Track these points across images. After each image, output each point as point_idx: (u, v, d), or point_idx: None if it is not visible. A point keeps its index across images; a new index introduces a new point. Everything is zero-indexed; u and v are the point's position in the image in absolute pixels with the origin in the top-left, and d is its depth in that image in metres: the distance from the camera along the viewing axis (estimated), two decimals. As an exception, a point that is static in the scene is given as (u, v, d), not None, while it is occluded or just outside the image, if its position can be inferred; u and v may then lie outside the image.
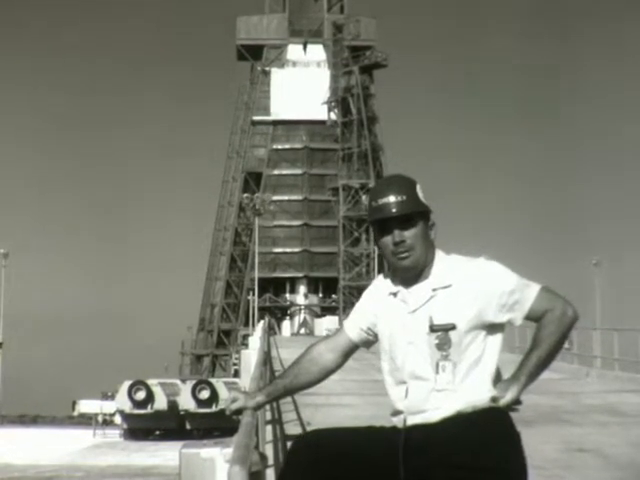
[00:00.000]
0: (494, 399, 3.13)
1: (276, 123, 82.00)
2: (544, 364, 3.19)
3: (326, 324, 62.11)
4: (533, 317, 3.20)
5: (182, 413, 48.44)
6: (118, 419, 51.20)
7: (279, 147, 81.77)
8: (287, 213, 79.77)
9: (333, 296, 78.48)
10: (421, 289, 3.21)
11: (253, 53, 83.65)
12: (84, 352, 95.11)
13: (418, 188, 3.24)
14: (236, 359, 61.23)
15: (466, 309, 3.14)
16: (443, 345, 3.14)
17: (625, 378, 19.36)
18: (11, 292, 60.66)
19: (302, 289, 79.49)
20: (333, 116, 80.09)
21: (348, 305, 69.52)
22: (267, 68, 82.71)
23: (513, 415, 3.18)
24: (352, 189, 77.04)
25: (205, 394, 47.84)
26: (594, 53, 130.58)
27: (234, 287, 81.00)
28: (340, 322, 55.65)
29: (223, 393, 46.14)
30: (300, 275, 79.05)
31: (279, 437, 6.58)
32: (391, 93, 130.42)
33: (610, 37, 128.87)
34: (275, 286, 78.61)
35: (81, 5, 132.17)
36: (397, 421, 3.21)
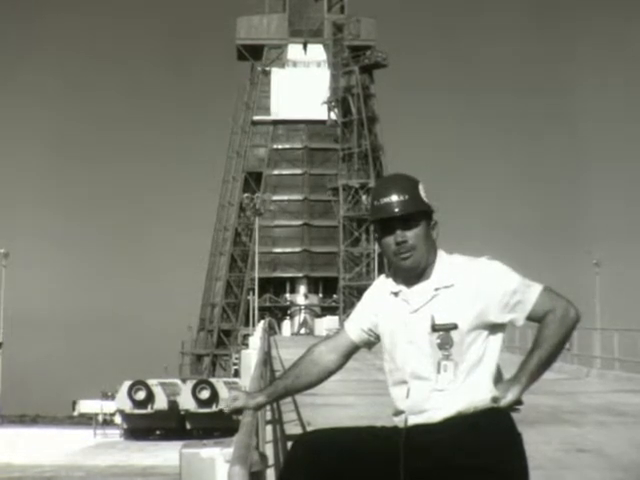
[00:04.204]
0: (495, 399, 3.13)
1: (276, 123, 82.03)
2: (545, 365, 3.19)
3: (326, 324, 62.08)
4: (535, 317, 3.20)
5: (182, 413, 48.44)
6: (118, 419, 51.20)
7: (279, 147, 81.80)
8: (287, 213, 79.78)
9: (333, 296, 78.49)
10: (423, 289, 3.20)
11: (253, 53, 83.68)
12: (84, 352, 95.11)
13: (421, 187, 3.23)
14: (236, 359, 61.26)
15: (468, 309, 3.14)
16: (444, 345, 3.13)
17: (625, 378, 19.37)
18: (11, 292, 60.70)
19: (302, 289, 79.50)
20: (333, 116, 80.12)
21: (348, 305, 69.55)
22: (267, 68, 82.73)
23: (514, 415, 3.17)
24: (352, 189, 77.07)
25: (205, 394, 47.84)
26: (596, 51, 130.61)
27: (234, 287, 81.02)
28: (340, 322, 55.65)
29: (223, 393, 46.14)
30: (300, 275, 79.06)
31: (279, 437, 6.58)
32: (391, 93, 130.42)
33: (613, 34, 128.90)
34: (275, 286, 78.63)
35: (78, 5, 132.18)
36: (398, 421, 3.20)
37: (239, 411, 3.46)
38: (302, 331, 75.01)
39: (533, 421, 10.63)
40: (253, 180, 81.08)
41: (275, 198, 78.65)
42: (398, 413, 3.22)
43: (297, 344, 32.28)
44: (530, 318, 3.20)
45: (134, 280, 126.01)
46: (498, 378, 3.19)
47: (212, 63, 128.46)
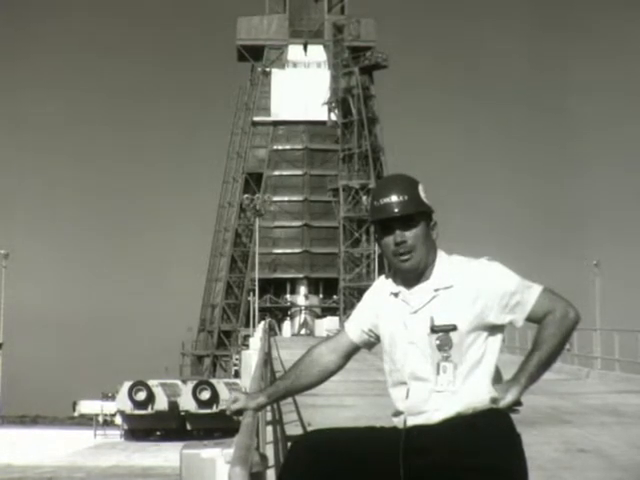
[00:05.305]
0: (494, 400, 3.13)
1: (276, 124, 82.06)
2: (545, 366, 3.19)
3: (326, 325, 62.08)
4: (534, 319, 3.20)
5: (183, 414, 48.42)
6: (119, 420, 51.20)
7: (279, 148, 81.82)
8: (287, 214, 79.80)
9: (333, 297, 78.52)
10: (423, 290, 3.20)
11: (253, 54, 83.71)
12: (84, 352, 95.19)
13: (420, 188, 3.23)
14: (237, 360, 61.27)
15: (467, 310, 3.14)
16: (444, 346, 3.13)
17: (625, 379, 19.35)
18: (11, 292, 60.64)
19: (302, 290, 79.52)
20: (333, 117, 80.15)
21: (348, 306, 69.58)
22: (267, 69, 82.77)
23: (513, 416, 3.18)
24: (352, 190, 77.08)
25: (206, 395, 47.83)
26: (596, 49, 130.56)
27: (235, 288, 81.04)
28: (340, 323, 55.63)
29: (224, 394, 46.13)
30: (300, 276, 79.08)
31: (280, 438, 6.58)
32: (391, 94, 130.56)
33: (612, 32, 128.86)
34: (275, 287, 78.65)
35: (78, 4, 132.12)
36: (398, 422, 3.21)
37: (240, 412, 3.46)
38: (302, 332, 75.00)
39: (533, 421, 10.63)
40: (253, 181, 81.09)
41: (275, 199, 78.66)
42: (397, 414, 3.22)
43: (297, 345, 32.28)
44: (529, 319, 3.20)
45: (135, 281, 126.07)
46: (497, 379, 3.19)
47: (212, 64, 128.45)
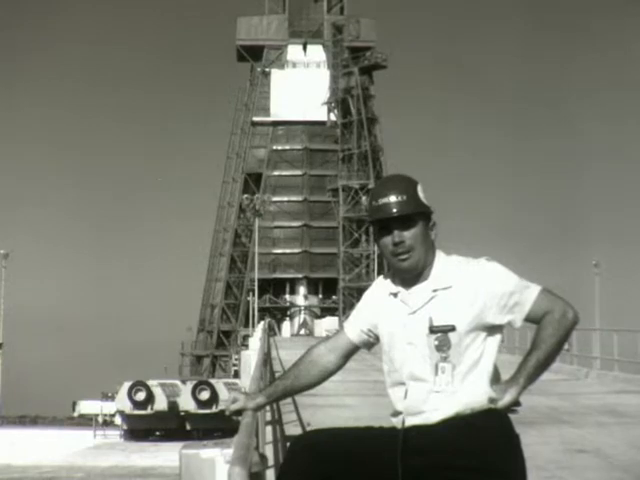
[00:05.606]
0: (493, 401, 3.13)
1: (276, 124, 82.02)
2: (543, 366, 3.19)
3: (326, 325, 62.12)
4: (533, 319, 3.20)
5: (182, 414, 48.45)
6: (118, 420, 51.24)
7: (279, 148, 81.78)
8: (287, 214, 79.77)
9: (333, 297, 78.47)
10: (421, 290, 3.20)
11: (253, 54, 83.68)
12: (84, 353, 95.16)
13: (419, 188, 3.23)
14: (236, 360, 61.22)
15: (466, 310, 3.14)
16: (442, 346, 3.13)
17: (624, 379, 19.35)
18: (11, 292, 60.64)
19: (302, 290, 79.49)
20: (333, 117, 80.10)
21: (348, 306, 69.54)
22: (267, 69, 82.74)
23: (512, 416, 3.18)
24: (352, 190, 77.04)
25: (205, 395, 47.86)
26: (595, 49, 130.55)
27: (234, 288, 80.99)
28: (340, 323, 55.63)
29: (223, 394, 46.15)
30: (300, 276, 79.03)
31: (279, 438, 6.59)
32: (391, 94, 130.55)
33: (612, 32, 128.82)
34: (275, 287, 78.61)
35: (78, 4, 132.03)
36: (396, 422, 3.21)
37: (239, 412, 3.46)
38: (302, 332, 74.98)
39: (532, 422, 10.63)
40: (253, 181, 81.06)
41: (275, 199, 78.65)
42: (396, 414, 3.22)
43: (297, 345, 32.28)
44: (528, 319, 3.19)
45: (134, 281, 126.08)
46: (496, 379, 3.19)
47: (212, 64, 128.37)
